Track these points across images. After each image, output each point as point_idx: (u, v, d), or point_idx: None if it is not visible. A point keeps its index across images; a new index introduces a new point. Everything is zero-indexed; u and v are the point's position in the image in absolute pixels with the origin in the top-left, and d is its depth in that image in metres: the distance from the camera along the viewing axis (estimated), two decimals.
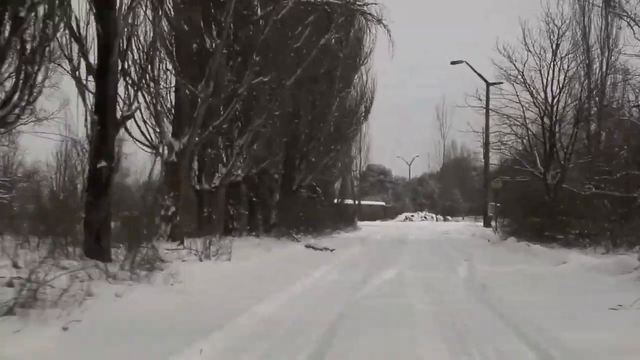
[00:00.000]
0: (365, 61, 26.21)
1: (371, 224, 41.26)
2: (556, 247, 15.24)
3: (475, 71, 31.88)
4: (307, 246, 16.62)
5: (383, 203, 59.92)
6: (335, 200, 36.03)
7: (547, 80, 21.85)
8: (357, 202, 53.30)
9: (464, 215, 57.36)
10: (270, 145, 18.58)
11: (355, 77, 27.62)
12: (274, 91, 15.42)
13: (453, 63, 33.39)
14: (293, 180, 22.47)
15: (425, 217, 53.75)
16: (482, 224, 36.13)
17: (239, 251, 12.55)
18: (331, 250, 15.96)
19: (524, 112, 23.09)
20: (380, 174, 67.17)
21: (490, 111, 24.83)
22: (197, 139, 12.32)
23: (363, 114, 26.25)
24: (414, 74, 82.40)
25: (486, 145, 31.36)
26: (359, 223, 38.91)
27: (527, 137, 23.31)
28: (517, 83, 22.24)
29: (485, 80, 30.47)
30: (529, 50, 21.74)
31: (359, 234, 27.41)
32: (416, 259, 14.22)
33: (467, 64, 32.33)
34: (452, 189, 61.70)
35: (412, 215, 54.07)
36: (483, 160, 31.56)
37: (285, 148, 22.28)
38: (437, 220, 52.49)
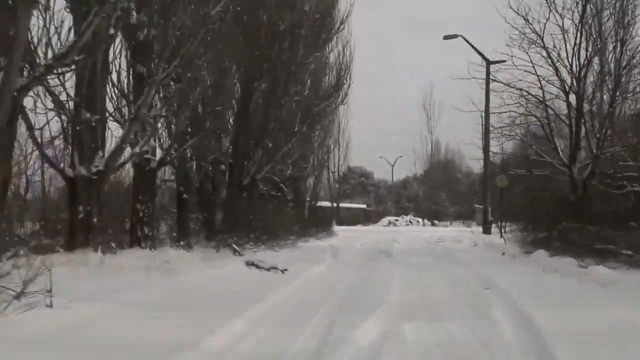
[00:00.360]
0: (342, 27, 20.81)
1: (350, 229, 35.89)
2: (622, 267, 10.05)
3: (474, 47, 26.83)
4: (249, 263, 11.18)
5: (364, 206, 54.57)
6: (308, 202, 30.58)
7: (574, 45, 16.80)
8: (335, 204, 47.97)
9: (451, 220, 52.40)
10: (200, 118, 13.18)
11: (328, 52, 22.30)
12: (191, 31, 9.97)
13: (446, 38, 28.26)
14: (244, 172, 17.00)
15: (410, 222, 48.47)
16: (477, 229, 30.87)
17: (106, 280, 7.17)
18: (282, 271, 10.58)
19: (542, 87, 18.06)
20: (362, 176, 62.41)
21: (496, 91, 19.53)
22: (24, 80, 6.82)
23: (336, 92, 20.81)
24: (414, 74, 77.09)
25: (486, 133, 26.23)
26: (336, 228, 33.55)
27: (546, 119, 18.20)
28: (535, 45, 17.13)
29: (486, 59, 25.37)
30: (550, 7, 16.67)
31: (333, 242, 21.92)
32: (412, 289, 8.87)
33: (463, 38, 27.29)
34: (438, 191, 56.67)
35: (396, 220, 48.74)
36: (482, 151, 26.29)
37: (236, 128, 16.87)
38: (424, 225, 47.29)
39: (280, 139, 17.37)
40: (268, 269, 10.75)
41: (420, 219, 49.68)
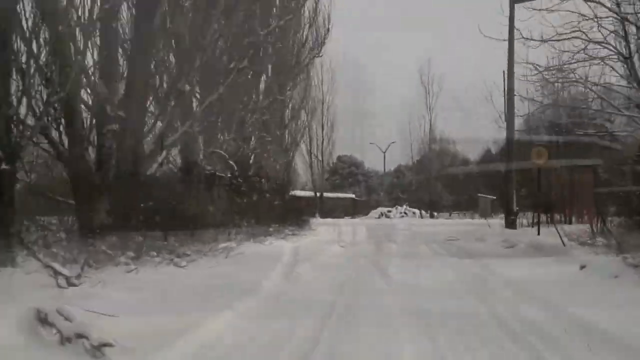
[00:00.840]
0: None
1: (333, 223, 29.10)
2: None
3: None
4: (43, 319, 4.44)
5: (352, 195, 47.89)
6: (276, 189, 23.78)
7: None
8: (318, 194, 41.30)
9: (451, 211, 45.86)
10: None
11: None
12: None
13: None
14: (143, 133, 10.32)
15: (405, 213, 41.75)
16: (493, 222, 24.06)
17: None
18: (97, 348, 3.91)
19: (618, 2, 11.68)
20: (352, 165, 56.17)
21: (550, 10, 12.75)
22: None
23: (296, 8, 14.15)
24: (411, 45, 68.57)
25: (509, 89, 19.45)
26: (317, 221, 26.93)
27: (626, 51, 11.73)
28: None
29: None
30: None
31: (302, 242, 15.06)
32: None
33: None
34: (434, 180, 50.00)
35: (389, 211, 42.01)
36: (506, 118, 19.48)
37: (132, 62, 10.19)
38: (421, 217, 40.73)
39: (206, 79, 10.63)
40: (68, 340, 4.09)
41: (416, 210, 43.10)
